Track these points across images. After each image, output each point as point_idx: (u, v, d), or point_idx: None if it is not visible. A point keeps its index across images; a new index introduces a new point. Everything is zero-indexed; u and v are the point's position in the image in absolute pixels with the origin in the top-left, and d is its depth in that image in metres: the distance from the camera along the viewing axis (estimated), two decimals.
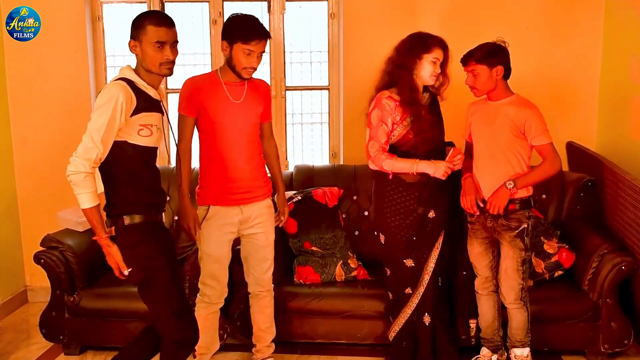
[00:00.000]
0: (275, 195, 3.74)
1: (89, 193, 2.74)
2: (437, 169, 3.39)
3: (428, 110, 3.52)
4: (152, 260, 2.91)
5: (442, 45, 3.45)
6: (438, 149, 3.56)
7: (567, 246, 4.01)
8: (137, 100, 2.81)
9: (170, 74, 2.97)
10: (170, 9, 4.85)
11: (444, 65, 3.48)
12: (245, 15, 3.28)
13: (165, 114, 3.06)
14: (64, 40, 4.74)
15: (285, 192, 4.33)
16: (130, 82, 2.84)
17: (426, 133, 3.45)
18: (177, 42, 2.94)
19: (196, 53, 5.00)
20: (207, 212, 3.40)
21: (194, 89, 3.31)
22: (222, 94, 3.32)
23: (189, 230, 3.37)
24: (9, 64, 4.76)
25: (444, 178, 3.41)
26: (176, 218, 4.26)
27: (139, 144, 2.88)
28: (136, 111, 2.82)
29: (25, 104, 4.79)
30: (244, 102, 3.37)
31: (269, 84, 4.93)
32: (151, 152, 3.00)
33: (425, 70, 3.43)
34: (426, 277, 3.59)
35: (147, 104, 2.89)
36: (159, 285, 2.96)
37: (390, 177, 3.52)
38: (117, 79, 2.85)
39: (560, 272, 3.97)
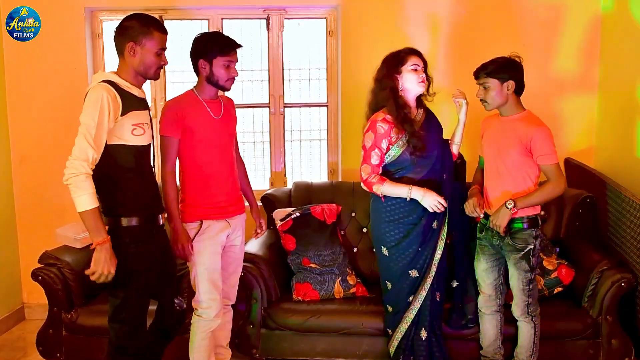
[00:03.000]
0: (251, 210, 3.80)
1: (89, 194, 2.75)
2: (426, 198, 3.43)
3: (423, 128, 3.54)
4: (134, 265, 2.97)
5: (413, 52, 3.53)
6: (437, 171, 3.58)
7: (566, 262, 4.00)
8: (122, 100, 2.89)
9: (158, 78, 3.18)
10: (169, 26, 4.81)
11: (425, 69, 3.54)
12: (212, 32, 3.53)
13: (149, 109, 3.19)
14: (64, 58, 4.76)
15: (284, 209, 4.35)
16: (112, 84, 2.91)
17: (422, 150, 3.47)
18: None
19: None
20: (201, 227, 3.41)
21: (179, 110, 3.34)
22: (204, 111, 3.40)
23: (182, 250, 3.35)
24: (9, 82, 4.78)
25: (430, 210, 3.44)
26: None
27: (134, 144, 2.97)
28: (125, 111, 2.90)
29: (24, 121, 4.80)
30: (223, 117, 3.48)
31: (268, 100, 4.98)
32: (146, 150, 3.10)
33: (410, 81, 3.49)
34: (428, 280, 3.60)
35: (134, 102, 2.98)
36: (130, 290, 3.02)
37: (383, 200, 3.55)
38: (99, 82, 2.91)
39: (559, 289, 3.96)
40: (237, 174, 3.61)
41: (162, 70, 4.63)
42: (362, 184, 3.57)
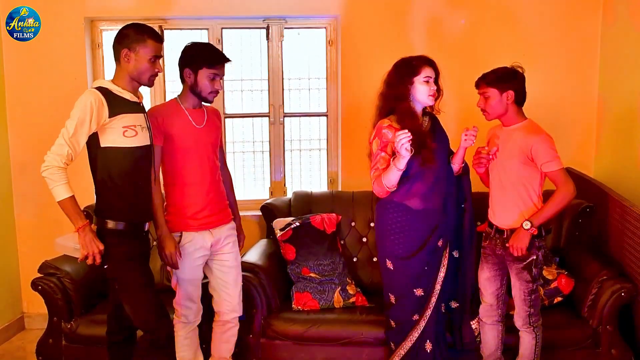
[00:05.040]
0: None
1: (63, 185, 2.94)
2: (397, 140, 3.22)
3: (430, 136, 3.49)
4: (127, 261, 3.10)
5: (428, 62, 3.45)
6: (443, 179, 3.54)
7: (566, 272, 4.00)
8: (111, 103, 3.00)
9: (153, 85, 3.24)
10: (169, 36, 4.89)
11: (436, 79, 3.47)
12: (203, 43, 3.49)
13: (145, 112, 3.25)
14: (64, 67, 4.77)
15: (284, 219, 4.35)
16: (104, 90, 3.03)
17: (431, 161, 3.42)
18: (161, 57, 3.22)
19: None
20: (181, 239, 3.43)
21: (158, 117, 3.35)
22: (185, 119, 3.41)
23: (170, 258, 3.37)
24: (9, 96, 4.78)
25: (402, 150, 3.21)
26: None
27: (128, 146, 3.06)
28: (114, 113, 3.01)
29: (25, 131, 4.81)
30: (206, 126, 3.47)
31: (268, 110, 4.99)
32: (143, 153, 3.16)
33: (421, 93, 3.42)
34: (433, 299, 3.57)
35: (125, 106, 3.07)
36: (136, 286, 3.13)
37: (393, 195, 3.48)
38: (90, 88, 3.06)
39: (559, 299, 3.96)
40: (222, 184, 3.60)
41: (163, 80, 4.72)
42: (374, 191, 3.51)
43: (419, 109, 3.50)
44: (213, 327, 3.68)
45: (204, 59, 3.33)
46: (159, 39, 3.14)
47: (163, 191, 3.51)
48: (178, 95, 3.48)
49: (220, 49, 4.82)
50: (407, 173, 3.44)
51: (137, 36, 3.08)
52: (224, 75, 3.42)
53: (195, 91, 3.38)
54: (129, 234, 3.12)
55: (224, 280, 3.57)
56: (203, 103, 3.50)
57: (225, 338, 3.67)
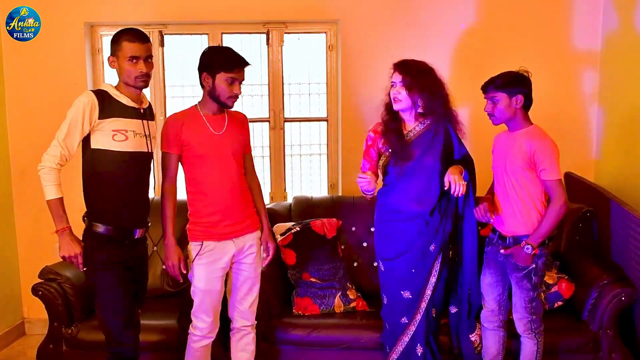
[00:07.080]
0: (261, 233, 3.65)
1: (53, 185, 3.05)
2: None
3: (415, 142, 3.50)
4: (103, 267, 3.14)
5: (395, 66, 3.48)
6: (434, 180, 3.52)
7: (566, 277, 4.00)
8: (104, 105, 3.06)
9: (146, 86, 3.26)
10: (169, 41, 4.89)
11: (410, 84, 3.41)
12: (221, 46, 3.44)
13: (148, 119, 3.28)
14: (64, 72, 4.78)
15: (284, 224, 4.35)
16: (101, 92, 3.11)
17: (404, 160, 3.46)
18: (151, 56, 3.22)
19: (195, 85, 5.01)
20: (201, 248, 3.36)
21: (176, 125, 3.31)
22: (203, 126, 3.34)
23: (173, 269, 3.33)
24: (9, 98, 4.79)
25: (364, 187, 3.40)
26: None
27: (116, 150, 3.10)
28: (106, 115, 3.07)
29: (25, 135, 4.81)
30: (226, 133, 3.38)
31: (268, 115, 4.98)
32: (133, 157, 3.19)
33: (390, 96, 3.50)
34: (423, 304, 3.58)
35: (119, 110, 3.12)
36: (107, 293, 3.17)
37: (368, 200, 3.60)
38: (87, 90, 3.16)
39: (560, 303, 3.96)
40: (248, 192, 3.52)
41: (163, 85, 4.72)
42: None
43: (402, 114, 3.52)
44: (230, 336, 3.63)
45: (221, 63, 3.25)
46: (135, 38, 3.13)
47: (186, 199, 3.44)
48: (198, 102, 3.41)
49: None
50: (393, 177, 3.52)
51: (116, 40, 3.15)
52: (243, 79, 3.33)
53: (213, 96, 3.30)
54: (112, 239, 3.14)
55: (237, 288, 3.52)
56: (226, 109, 3.42)
57: (241, 346, 3.60)
